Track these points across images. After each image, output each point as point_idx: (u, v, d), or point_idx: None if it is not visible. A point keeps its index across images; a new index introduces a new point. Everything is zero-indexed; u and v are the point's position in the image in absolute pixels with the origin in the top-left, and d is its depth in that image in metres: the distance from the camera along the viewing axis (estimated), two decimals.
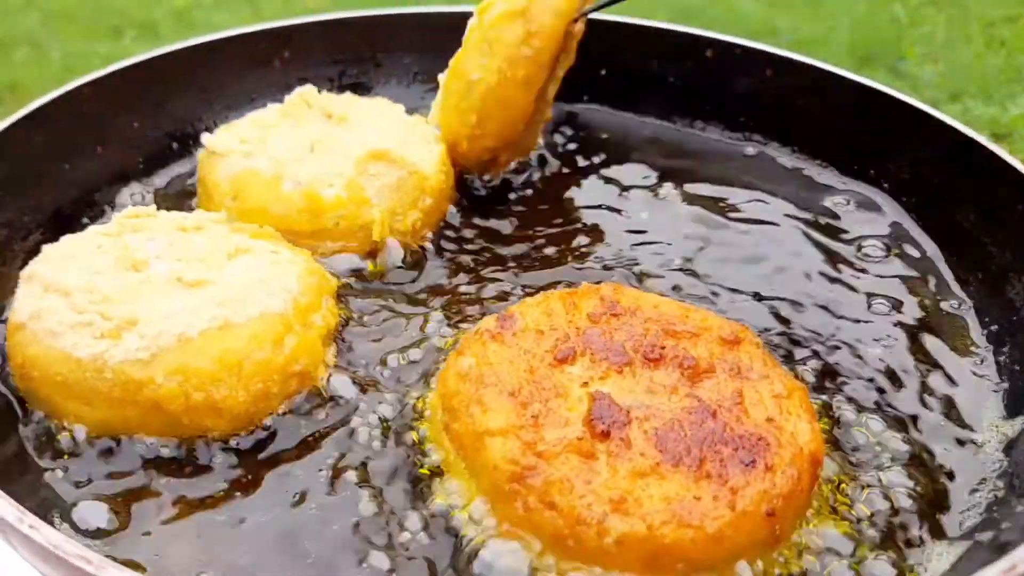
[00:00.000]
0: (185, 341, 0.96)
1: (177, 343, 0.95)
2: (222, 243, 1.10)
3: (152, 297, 1.01)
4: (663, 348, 0.97)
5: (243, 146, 1.25)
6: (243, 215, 1.20)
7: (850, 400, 1.04)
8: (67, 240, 1.10)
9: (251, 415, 0.98)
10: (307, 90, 1.34)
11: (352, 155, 1.23)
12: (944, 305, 1.21)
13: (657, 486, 0.83)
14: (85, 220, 1.31)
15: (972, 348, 1.15)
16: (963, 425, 1.03)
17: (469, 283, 1.22)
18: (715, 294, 1.20)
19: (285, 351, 1.00)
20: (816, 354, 1.11)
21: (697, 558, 0.81)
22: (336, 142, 1.27)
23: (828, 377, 1.08)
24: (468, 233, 1.32)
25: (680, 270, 1.24)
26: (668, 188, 1.44)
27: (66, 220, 1.28)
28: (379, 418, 1.00)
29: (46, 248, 1.08)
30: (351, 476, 0.94)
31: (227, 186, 1.23)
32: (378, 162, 1.24)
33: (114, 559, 0.74)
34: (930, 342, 1.15)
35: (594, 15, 1.35)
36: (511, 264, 1.26)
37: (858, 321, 1.18)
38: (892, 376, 1.09)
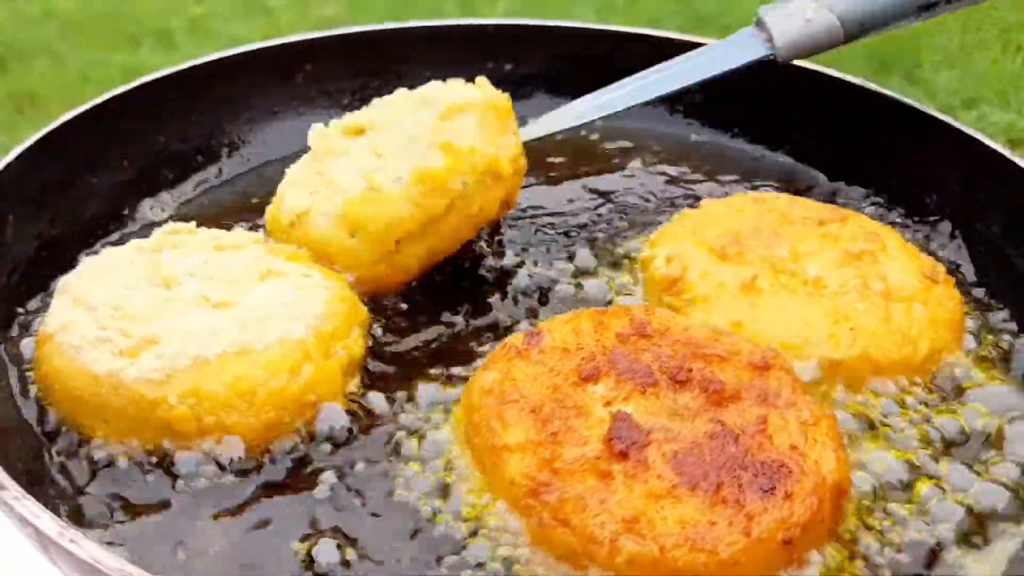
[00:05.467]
0: (201, 363, 0.98)
1: (193, 365, 0.98)
2: (255, 264, 1.12)
3: (175, 316, 1.04)
4: (690, 371, 0.99)
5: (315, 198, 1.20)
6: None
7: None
8: (106, 253, 1.15)
9: (262, 442, 1.00)
10: (318, 128, 1.30)
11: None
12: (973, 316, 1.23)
13: (672, 509, 0.86)
14: (113, 233, 1.35)
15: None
16: None
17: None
18: None
19: (300, 380, 1.01)
20: None
21: None
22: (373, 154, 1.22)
23: None
24: None
25: None
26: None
27: (94, 233, 1.34)
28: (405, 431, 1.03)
29: (85, 260, 1.14)
30: (367, 494, 0.97)
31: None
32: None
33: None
34: None
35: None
36: None
37: None
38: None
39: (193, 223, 1.19)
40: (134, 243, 1.16)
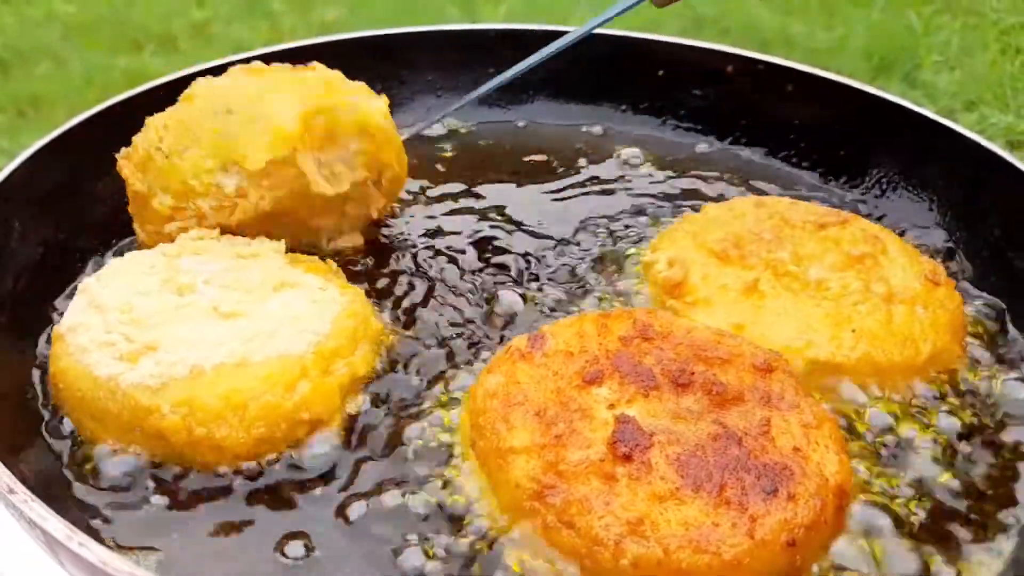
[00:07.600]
0: (197, 374, 0.98)
1: (189, 375, 0.98)
2: (272, 275, 1.12)
3: (181, 324, 1.04)
4: (692, 373, 1.00)
5: None
6: None
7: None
8: (130, 256, 1.16)
9: (253, 456, 0.99)
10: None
11: None
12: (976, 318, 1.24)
13: (676, 510, 0.87)
14: (119, 239, 1.34)
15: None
16: None
17: None
18: None
19: (295, 397, 1.00)
20: None
21: None
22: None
23: None
24: None
25: None
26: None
27: (100, 239, 1.34)
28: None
29: (111, 261, 1.15)
30: (373, 502, 0.97)
31: None
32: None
33: None
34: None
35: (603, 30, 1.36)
36: None
37: None
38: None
39: (216, 231, 1.19)
40: (159, 247, 1.16)
